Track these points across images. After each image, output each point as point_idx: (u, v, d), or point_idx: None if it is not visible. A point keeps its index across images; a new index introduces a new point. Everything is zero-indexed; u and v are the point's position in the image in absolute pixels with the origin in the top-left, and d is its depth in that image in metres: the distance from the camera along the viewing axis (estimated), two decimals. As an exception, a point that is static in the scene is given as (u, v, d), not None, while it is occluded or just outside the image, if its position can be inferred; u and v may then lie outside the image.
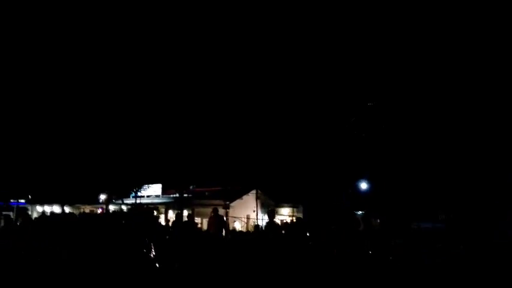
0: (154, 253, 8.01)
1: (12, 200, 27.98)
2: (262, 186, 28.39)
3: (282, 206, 30.44)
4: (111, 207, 26.65)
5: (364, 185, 26.11)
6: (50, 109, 22.84)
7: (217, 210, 10.69)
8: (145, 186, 29.45)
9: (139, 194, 29.02)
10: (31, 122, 23.42)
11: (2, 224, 16.00)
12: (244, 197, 27.84)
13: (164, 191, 29.74)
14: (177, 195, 28.84)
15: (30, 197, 29.53)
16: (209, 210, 22.50)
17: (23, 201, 28.87)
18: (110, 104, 23.09)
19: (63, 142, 25.65)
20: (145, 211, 17.22)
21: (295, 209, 30.00)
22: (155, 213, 21.10)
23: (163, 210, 26.19)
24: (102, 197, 30.28)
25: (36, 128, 24.08)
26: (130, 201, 27.86)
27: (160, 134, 26.07)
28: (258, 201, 27.74)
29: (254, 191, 28.30)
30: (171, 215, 26.45)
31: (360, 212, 21.38)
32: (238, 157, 28.94)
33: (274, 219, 10.68)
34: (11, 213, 22.28)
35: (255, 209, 27.09)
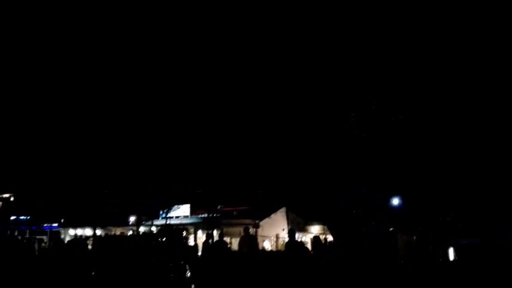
0: (189, 274, 7.87)
1: (45, 224, 28.65)
2: (291, 204, 27.97)
3: (312, 224, 29.81)
4: (141, 229, 26.79)
5: (396, 201, 25.34)
6: (77, 134, 23.38)
7: (249, 229, 10.49)
8: (175, 207, 29.58)
9: (168, 215, 29.15)
10: (60, 149, 24.03)
11: (36, 247, 16.35)
12: (273, 215, 27.48)
13: (193, 212, 29.74)
14: (206, 215, 28.80)
15: (62, 220, 30.15)
16: (238, 229, 22.31)
17: (56, 225, 29.47)
18: (137, 127, 23.45)
19: (93, 167, 26.19)
20: (175, 232, 17.20)
21: (325, 227, 29.33)
22: (184, 233, 21.07)
23: (192, 230, 26.12)
24: (132, 219, 30.60)
25: (66, 155, 24.70)
26: (160, 222, 27.98)
27: (187, 155, 26.21)
28: (287, 219, 27.35)
29: (283, 209, 27.93)
30: (200, 235, 26.35)
31: (391, 228, 20.72)
32: (265, 175, 28.65)
33: (296, 239, 10.43)
34: (44, 237, 22.69)
35: (285, 228, 26.64)
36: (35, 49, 18.67)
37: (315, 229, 30.03)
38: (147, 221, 28.72)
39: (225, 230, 24.95)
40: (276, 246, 26.33)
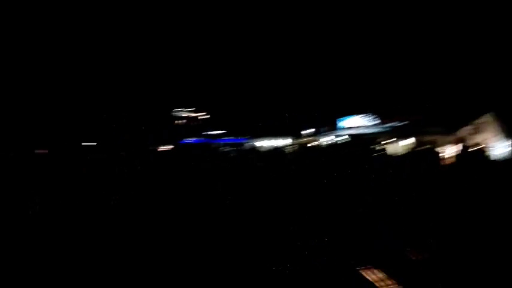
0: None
1: (239, 137, 32.02)
2: (499, 109, 23.58)
3: None
4: (327, 139, 26.78)
5: None
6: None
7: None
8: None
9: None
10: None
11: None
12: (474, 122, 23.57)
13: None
14: (391, 124, 26.97)
15: (250, 135, 33.01)
16: (434, 138, 19.98)
17: (246, 138, 32.30)
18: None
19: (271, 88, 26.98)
20: (364, 142, 16.31)
21: None
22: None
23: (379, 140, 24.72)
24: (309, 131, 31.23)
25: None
26: (343, 132, 27.44)
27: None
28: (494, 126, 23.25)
29: (487, 116, 23.82)
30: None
31: None
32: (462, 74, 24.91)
33: None
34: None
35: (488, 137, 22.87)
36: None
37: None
38: (328, 131, 28.53)
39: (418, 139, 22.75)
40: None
